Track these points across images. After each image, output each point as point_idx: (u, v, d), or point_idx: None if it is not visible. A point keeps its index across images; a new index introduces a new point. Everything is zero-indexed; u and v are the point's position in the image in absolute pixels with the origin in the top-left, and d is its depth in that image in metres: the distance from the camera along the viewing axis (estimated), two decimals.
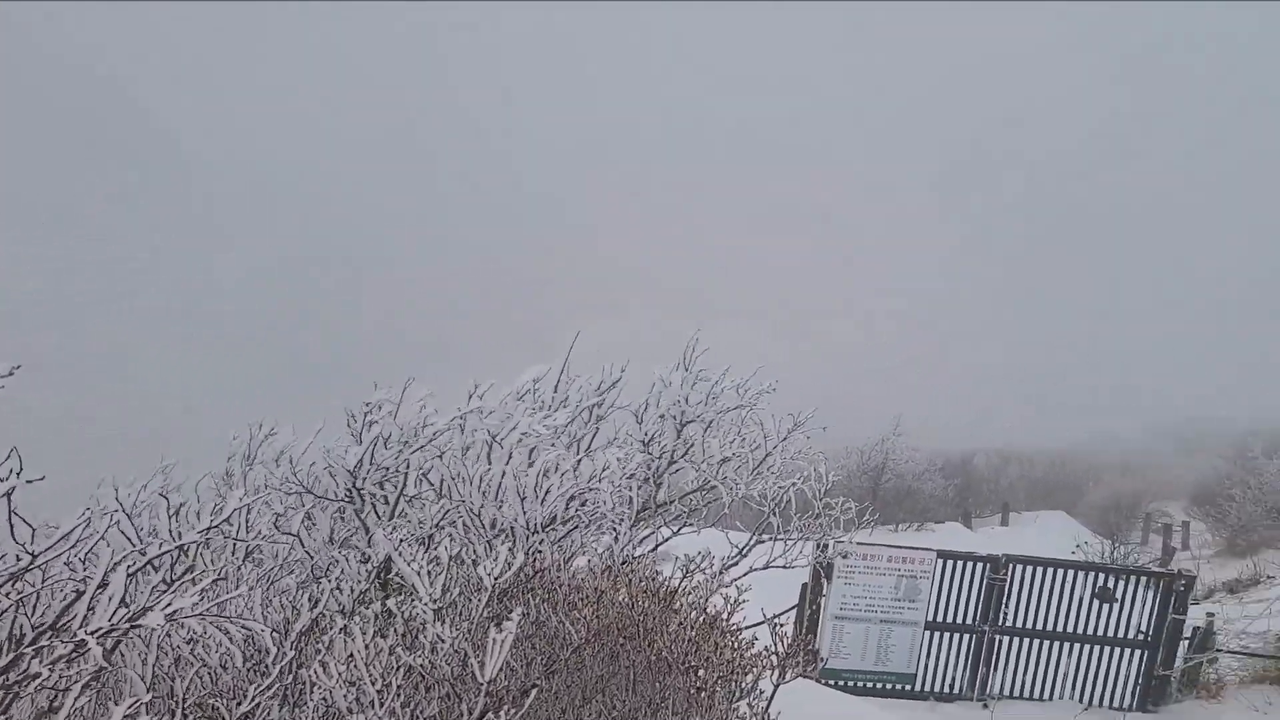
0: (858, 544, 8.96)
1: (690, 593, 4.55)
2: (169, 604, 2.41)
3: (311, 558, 4.57)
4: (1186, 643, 9.48)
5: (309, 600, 3.50)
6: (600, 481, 5.05)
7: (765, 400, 6.14)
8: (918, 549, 9.34)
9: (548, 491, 5.08)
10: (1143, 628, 9.37)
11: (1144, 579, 9.78)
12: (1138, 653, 9.39)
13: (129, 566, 2.71)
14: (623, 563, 4.98)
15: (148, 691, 2.86)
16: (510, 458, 4.76)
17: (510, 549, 3.29)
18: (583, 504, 5.41)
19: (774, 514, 6.48)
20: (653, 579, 4.15)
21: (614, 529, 5.58)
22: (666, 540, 6.66)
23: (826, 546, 8.65)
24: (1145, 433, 38.28)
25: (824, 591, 8.95)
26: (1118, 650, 9.40)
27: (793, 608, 9.26)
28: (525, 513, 5.09)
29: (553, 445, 5.17)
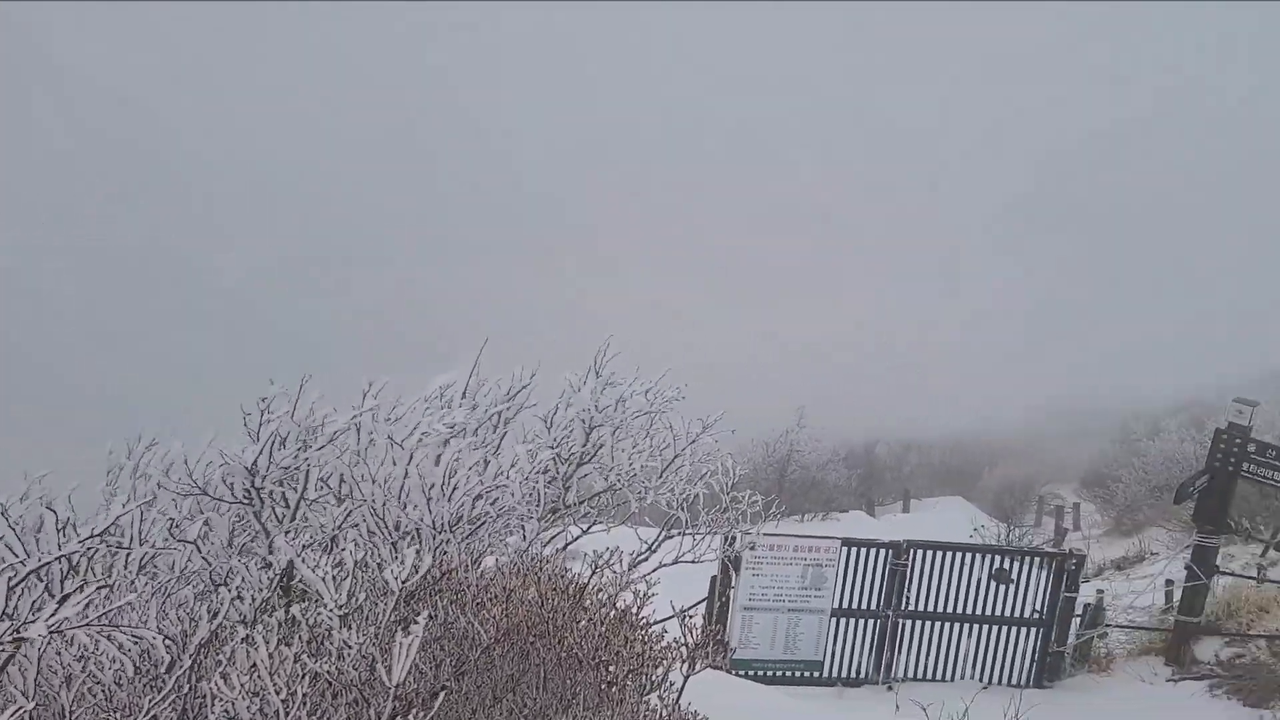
0: (764, 535, 9.08)
1: (600, 589, 4.56)
2: (53, 614, 2.31)
3: (210, 565, 4.44)
4: (1078, 619, 9.85)
5: (208, 611, 3.40)
6: (508, 477, 5.02)
7: (675, 405, 6.19)
8: (823, 538, 9.52)
9: (454, 489, 5.03)
10: (1038, 607, 9.71)
11: (1038, 559, 10.14)
12: (1033, 631, 9.73)
13: (9, 579, 2.59)
14: (532, 561, 4.96)
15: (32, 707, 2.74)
16: (412, 458, 4.70)
17: (417, 551, 3.24)
18: (492, 501, 5.37)
19: (682, 510, 6.54)
20: (562, 576, 4.14)
21: (522, 526, 5.56)
22: (576, 539, 6.67)
23: (734, 539, 8.76)
24: (1037, 417, 39.70)
25: (732, 583, 9.05)
26: (1015, 629, 9.72)
27: (702, 601, 9.35)
28: (431, 513, 5.03)
29: (456, 444, 5.11)
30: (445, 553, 4.38)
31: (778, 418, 23.23)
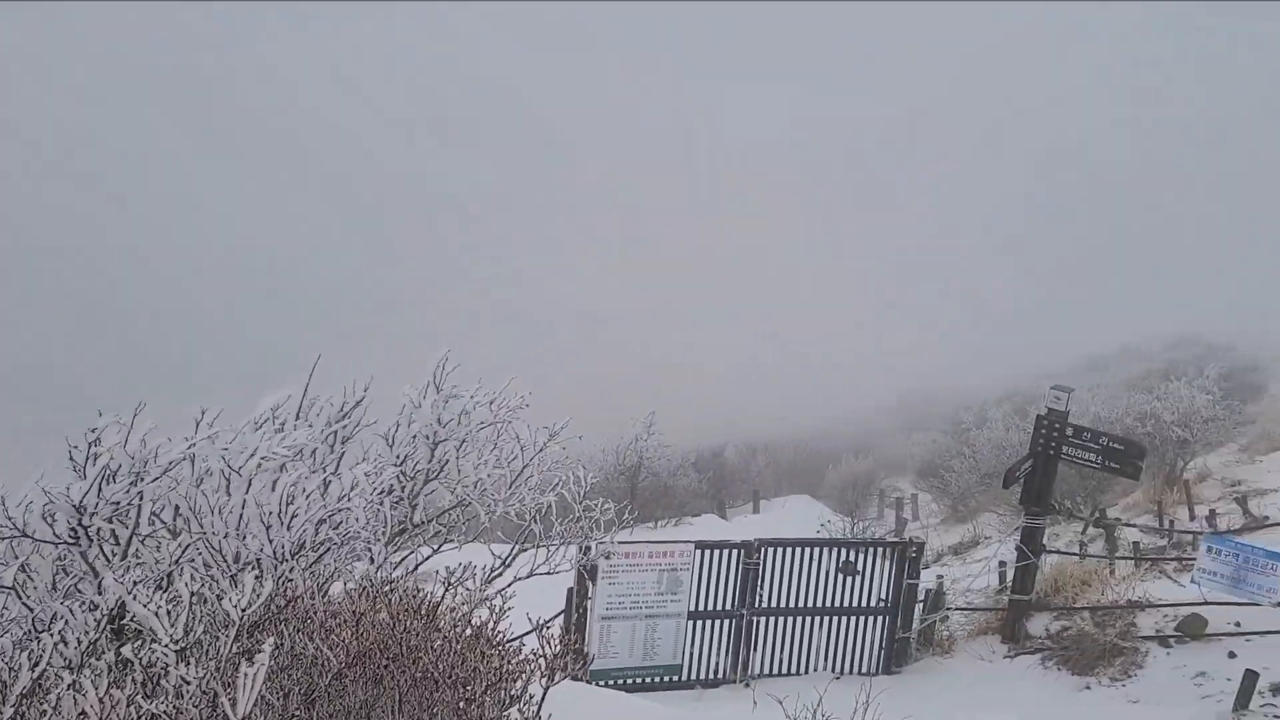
0: (619, 543, 9.13)
1: (455, 607, 4.49)
2: None
3: (31, 612, 4.14)
4: (921, 605, 10.29)
5: (28, 659, 3.17)
6: (350, 500, 4.88)
7: (521, 413, 6.13)
8: (676, 542, 9.65)
9: (294, 516, 4.86)
10: (883, 595, 10.10)
11: (881, 550, 10.55)
12: (880, 619, 10.11)
13: None
14: (383, 584, 4.84)
15: None
16: (250, 485, 4.51)
17: (256, 578, 3.11)
18: (335, 526, 5.21)
19: (535, 522, 6.49)
20: (414, 597, 4.06)
21: (369, 550, 5.41)
22: (427, 559, 6.53)
23: (589, 549, 8.77)
24: (876, 413, 41.33)
25: (589, 594, 9.06)
26: (863, 618, 10.08)
27: (561, 613, 9.32)
28: (272, 541, 4.84)
29: (295, 468, 4.94)
30: (289, 580, 4.22)
31: (629, 426, 23.45)
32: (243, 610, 3.01)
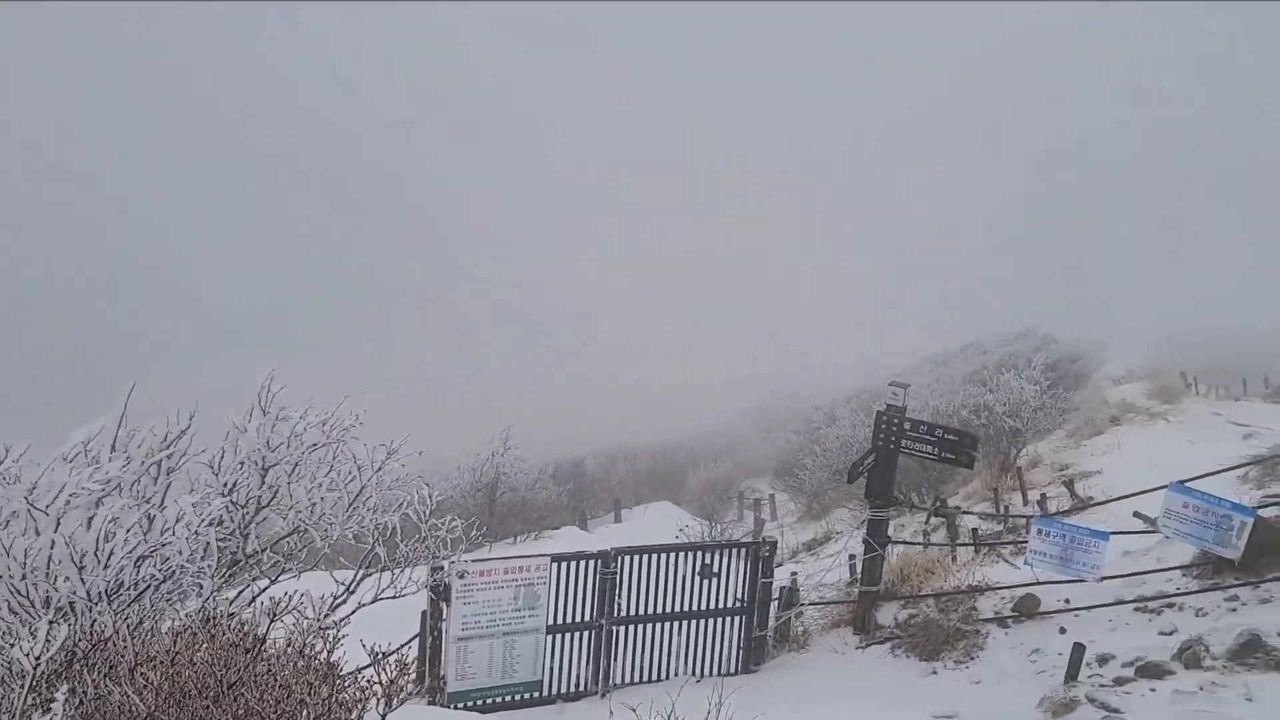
0: (473, 561, 8.98)
1: (290, 639, 4.30)
2: None
3: None
4: (776, 603, 10.48)
5: None
6: (174, 533, 4.63)
7: (356, 431, 5.95)
8: (532, 556, 9.53)
9: (110, 554, 4.58)
10: (739, 596, 10.23)
11: (736, 550, 10.70)
12: (737, 619, 10.24)
13: None
14: (207, 620, 4.61)
15: None
16: (59, 524, 4.23)
17: (51, 623, 2.90)
18: (164, 560, 4.94)
19: (379, 545, 6.31)
20: (239, 631, 3.86)
21: (198, 584, 5.15)
22: (264, 590, 6.26)
23: (441, 569, 8.59)
24: (733, 418, 42.14)
25: (444, 615, 8.86)
26: (721, 620, 10.19)
27: (416, 636, 9.10)
28: (85, 582, 4.55)
29: (111, 502, 4.66)
30: (97, 623, 3.96)
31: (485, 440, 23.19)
32: (36, 659, 2.80)
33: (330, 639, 4.05)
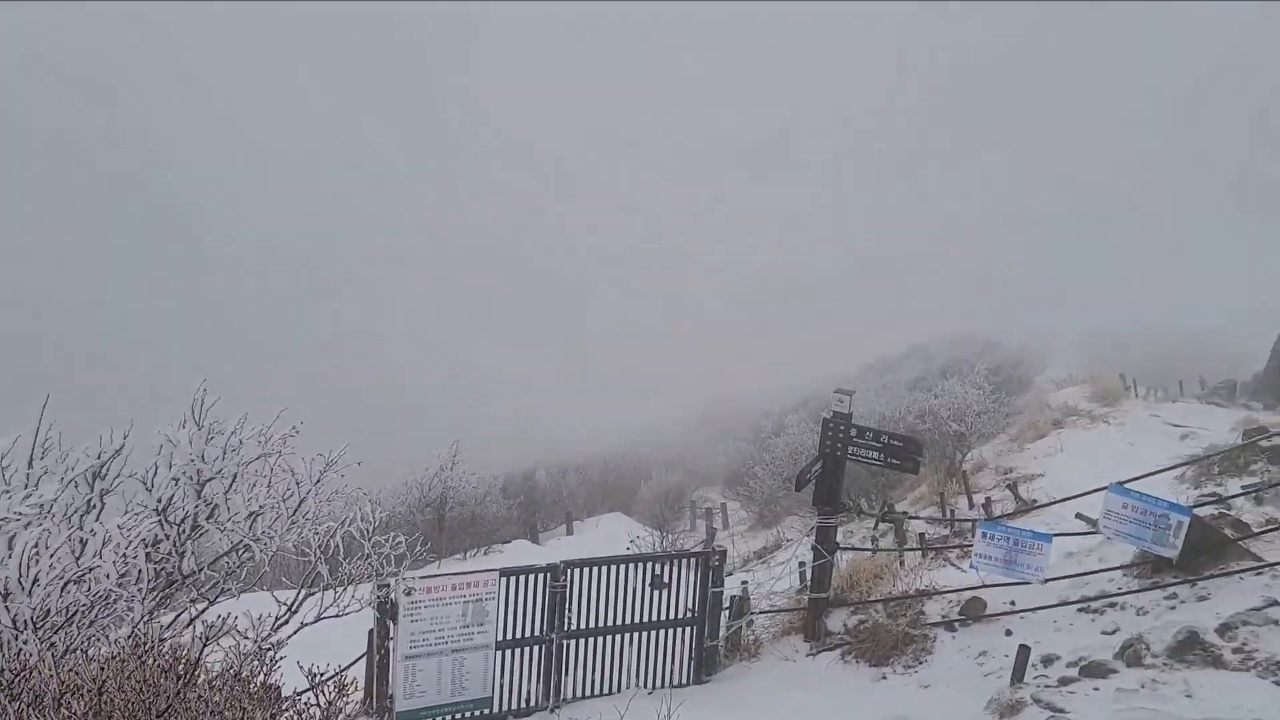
0: (420, 578, 8.87)
1: (230, 661, 4.20)
2: None
3: None
4: (727, 612, 10.48)
5: None
6: (100, 556, 4.50)
7: (293, 444, 5.83)
8: (480, 571, 9.43)
9: (35, 580, 4.45)
10: (690, 606, 10.22)
11: (687, 560, 10.68)
12: (688, 629, 10.22)
13: None
14: (138, 645, 4.48)
15: None
16: None
17: None
18: (95, 583, 4.80)
19: (321, 563, 6.19)
20: (172, 656, 3.76)
21: (129, 608, 5.01)
22: (202, 612, 6.12)
23: (388, 587, 8.47)
24: (684, 426, 42.23)
25: (391, 633, 8.73)
26: (672, 630, 10.16)
27: (363, 656, 8.96)
28: (10, 610, 4.41)
29: (36, 526, 4.52)
30: (22, 652, 3.83)
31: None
32: None
33: (267, 661, 3.95)
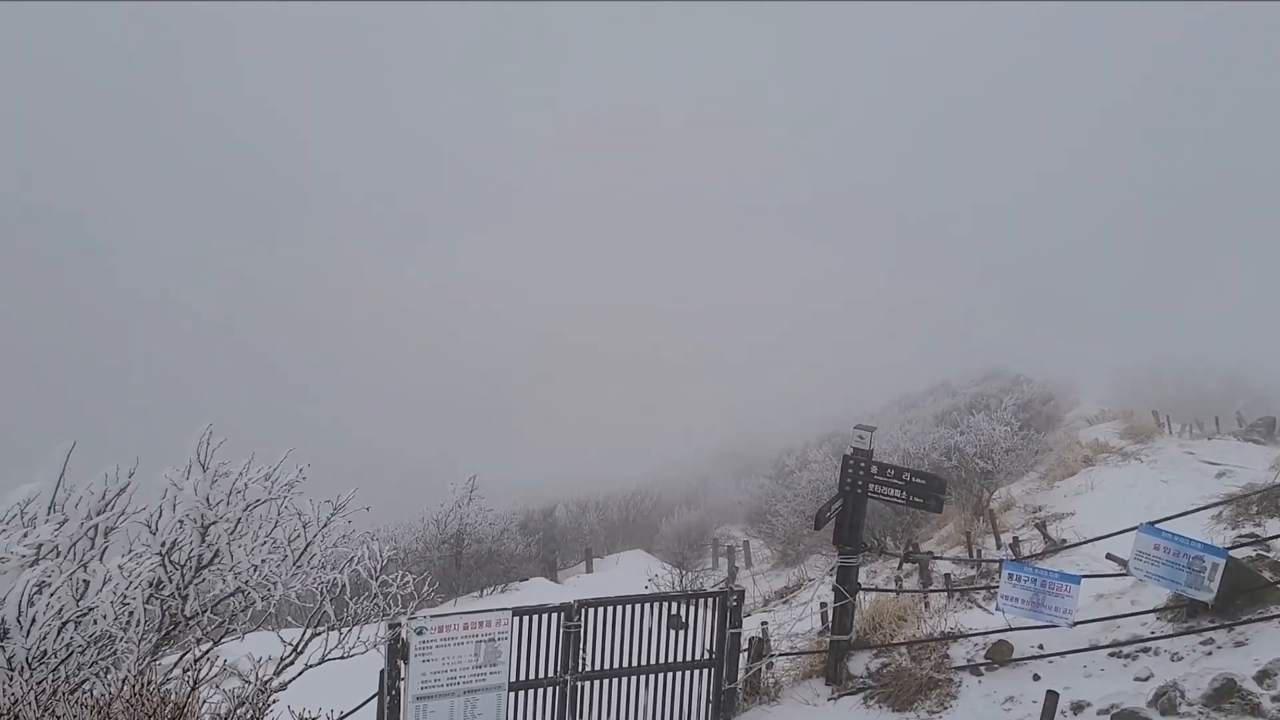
0: (432, 617, 8.70)
1: (220, 703, 4.06)
2: None
3: None
4: (746, 654, 10.23)
5: None
6: (98, 597, 4.39)
7: (300, 487, 5.71)
8: (493, 610, 9.25)
9: (33, 621, 4.34)
10: (708, 647, 9.98)
11: (706, 600, 10.45)
12: (706, 671, 9.98)
13: None
14: (135, 688, 4.35)
15: None
16: None
17: None
18: (93, 624, 4.68)
19: (327, 603, 6.05)
20: (160, 699, 3.63)
21: (130, 648, 4.89)
22: (206, 654, 5.99)
23: (398, 626, 8.32)
24: (706, 462, 41.93)
25: (402, 673, 8.56)
26: (690, 672, 9.93)
27: (374, 696, 8.78)
28: (6, 651, 4.30)
29: (41, 566, 4.42)
30: (12, 695, 3.71)
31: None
32: None
33: (260, 705, 3.81)
